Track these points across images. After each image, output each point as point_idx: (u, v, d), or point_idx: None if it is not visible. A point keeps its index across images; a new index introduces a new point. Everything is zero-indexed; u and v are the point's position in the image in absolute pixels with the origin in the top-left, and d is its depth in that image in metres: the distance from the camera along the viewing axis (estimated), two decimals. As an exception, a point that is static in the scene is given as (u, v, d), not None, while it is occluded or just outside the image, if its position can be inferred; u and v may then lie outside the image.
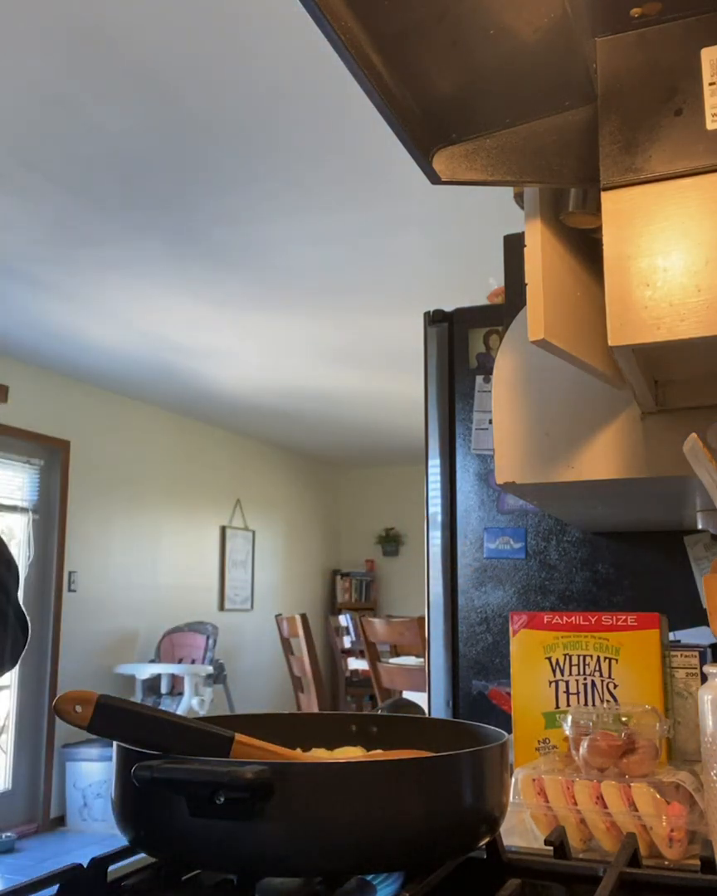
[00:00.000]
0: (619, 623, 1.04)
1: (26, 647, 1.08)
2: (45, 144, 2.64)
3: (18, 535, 4.99)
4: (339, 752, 0.80)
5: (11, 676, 4.88)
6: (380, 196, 2.96)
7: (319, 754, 0.79)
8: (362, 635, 3.91)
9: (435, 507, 1.87)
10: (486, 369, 1.83)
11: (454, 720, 0.83)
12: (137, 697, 5.38)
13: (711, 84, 0.73)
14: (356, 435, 7.10)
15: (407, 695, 3.32)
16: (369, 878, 0.65)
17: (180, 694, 5.39)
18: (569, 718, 0.92)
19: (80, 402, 5.38)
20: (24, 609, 1.08)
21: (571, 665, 1.05)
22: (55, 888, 0.63)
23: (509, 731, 1.02)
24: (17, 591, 1.08)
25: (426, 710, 1.79)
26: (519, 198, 0.89)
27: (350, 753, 0.79)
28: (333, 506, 8.55)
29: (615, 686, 1.03)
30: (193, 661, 5.65)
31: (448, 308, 1.92)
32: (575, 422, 1.13)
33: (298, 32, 2.09)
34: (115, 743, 0.63)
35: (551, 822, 0.85)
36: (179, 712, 4.49)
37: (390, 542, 8.34)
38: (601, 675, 1.03)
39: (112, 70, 2.27)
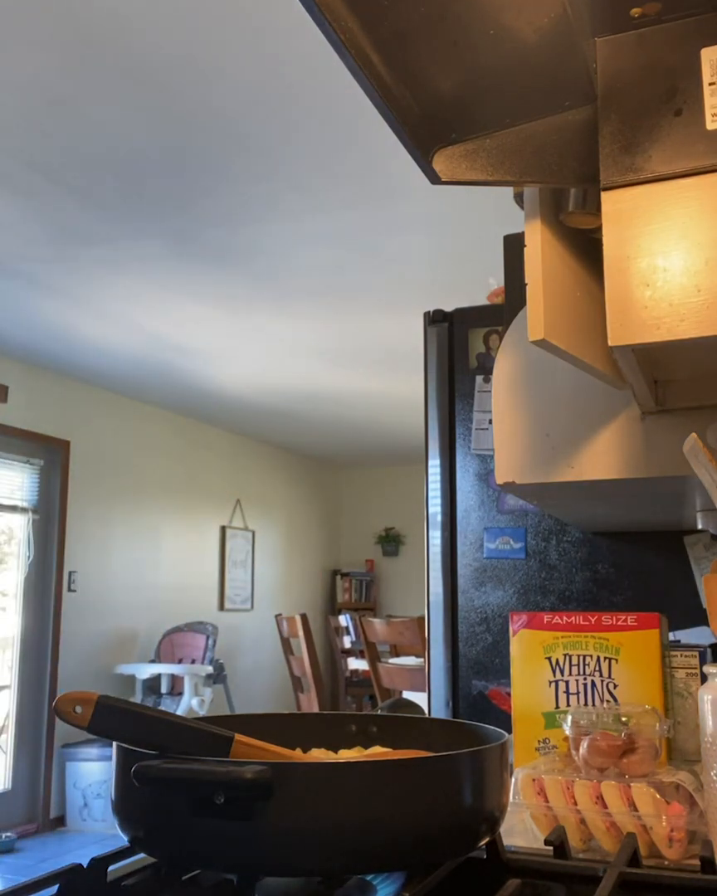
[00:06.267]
0: (619, 623, 1.04)
1: None
2: (45, 144, 2.64)
3: (18, 535, 4.99)
4: (339, 753, 0.80)
5: (11, 676, 4.88)
6: (380, 196, 2.96)
7: (319, 754, 0.79)
8: (362, 635, 3.91)
9: (435, 507, 1.87)
10: (486, 369, 1.83)
11: (454, 720, 0.83)
12: (137, 697, 5.38)
13: (711, 84, 0.73)
14: (356, 435, 7.10)
15: (407, 695, 3.32)
16: (369, 877, 0.65)
17: (180, 694, 5.39)
18: (569, 718, 0.92)
19: (79, 402, 5.38)
20: None
21: (571, 665, 1.05)
22: (55, 888, 0.63)
23: (509, 731, 1.02)
24: None
25: (426, 710, 1.79)
26: (519, 198, 0.88)
27: (350, 753, 0.79)
28: (333, 506, 8.55)
29: (615, 686, 1.03)
30: (193, 661, 5.64)
31: (448, 308, 1.92)
32: (575, 422, 1.13)
33: (299, 33, 2.09)
34: (115, 743, 0.63)
35: (551, 822, 0.85)
36: (179, 712, 4.49)
37: (390, 542, 8.34)
38: (601, 675, 1.03)
39: (112, 70, 2.28)
